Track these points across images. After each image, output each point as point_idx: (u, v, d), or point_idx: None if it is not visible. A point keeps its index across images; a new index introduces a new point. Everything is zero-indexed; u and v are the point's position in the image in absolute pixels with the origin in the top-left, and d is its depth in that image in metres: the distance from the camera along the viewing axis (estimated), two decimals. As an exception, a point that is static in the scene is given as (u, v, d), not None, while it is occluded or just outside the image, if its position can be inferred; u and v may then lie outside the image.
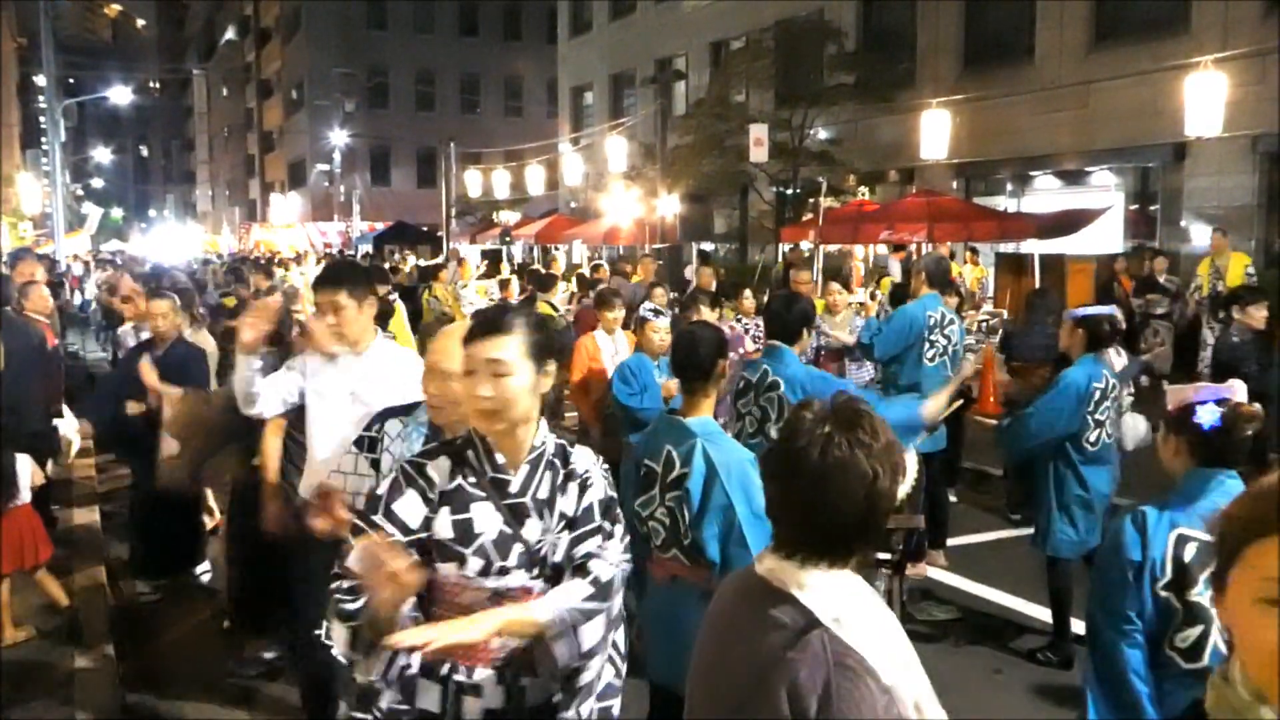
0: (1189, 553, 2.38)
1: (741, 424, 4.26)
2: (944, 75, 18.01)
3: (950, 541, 6.65)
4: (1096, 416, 4.86)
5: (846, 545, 1.55)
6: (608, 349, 6.40)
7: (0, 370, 5.04)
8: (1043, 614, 5.43)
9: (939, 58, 18.34)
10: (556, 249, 26.40)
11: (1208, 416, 2.46)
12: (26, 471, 5.09)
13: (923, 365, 6.31)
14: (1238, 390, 2.53)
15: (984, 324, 9.69)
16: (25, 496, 5.12)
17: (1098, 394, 4.83)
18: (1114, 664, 2.38)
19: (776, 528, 1.60)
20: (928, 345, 6.32)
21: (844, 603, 1.53)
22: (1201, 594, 2.38)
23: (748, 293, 8.93)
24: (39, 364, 6.43)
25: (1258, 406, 2.54)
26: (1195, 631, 2.38)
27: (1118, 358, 6.37)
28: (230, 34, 63.11)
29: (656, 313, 5.83)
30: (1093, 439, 4.87)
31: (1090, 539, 4.96)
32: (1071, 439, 4.85)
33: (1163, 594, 2.39)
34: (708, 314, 7.09)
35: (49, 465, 5.81)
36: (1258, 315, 6.83)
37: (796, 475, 1.52)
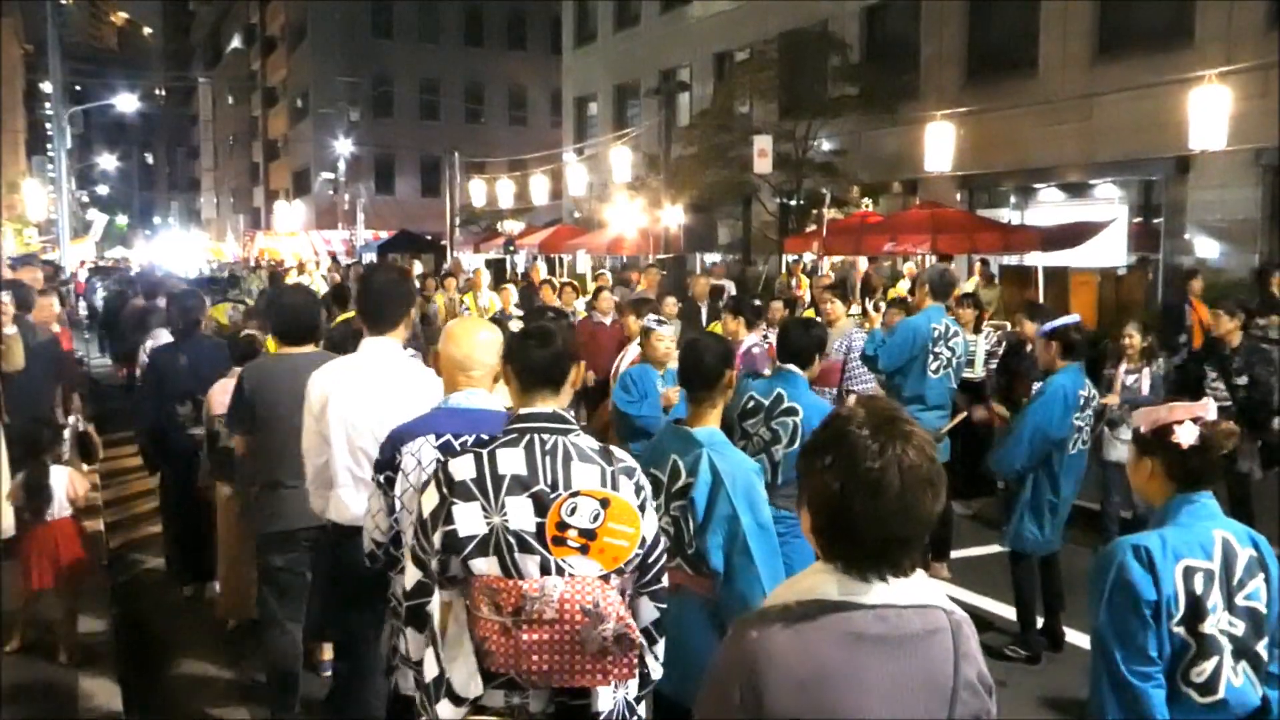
0: (1198, 584, 2.32)
1: (746, 443, 4.23)
2: (948, 87, 18.05)
3: (954, 554, 6.65)
4: (1078, 423, 5.08)
5: (922, 549, 1.60)
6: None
7: (21, 373, 5.04)
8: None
9: (943, 70, 18.38)
10: (567, 258, 26.39)
11: (1187, 436, 2.40)
12: (62, 484, 5.01)
13: (926, 377, 6.33)
14: (1210, 408, 2.47)
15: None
16: (64, 510, 5.01)
17: (1081, 400, 5.06)
18: (1142, 708, 2.31)
19: (854, 549, 1.55)
20: (931, 357, 6.33)
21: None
22: (1211, 625, 2.33)
23: (777, 304, 8.97)
24: (52, 370, 6.47)
25: (1233, 424, 2.52)
26: (1210, 665, 2.33)
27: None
28: (236, 42, 63.31)
29: (660, 322, 5.83)
30: (1073, 444, 5.10)
31: (1053, 540, 5.23)
32: (1057, 444, 5.04)
33: (1176, 630, 2.33)
34: (731, 324, 7.06)
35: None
36: (1223, 323, 6.75)
37: (879, 495, 1.50)
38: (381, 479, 2.82)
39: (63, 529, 5.02)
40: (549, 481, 2.18)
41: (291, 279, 19.35)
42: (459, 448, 2.74)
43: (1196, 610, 2.32)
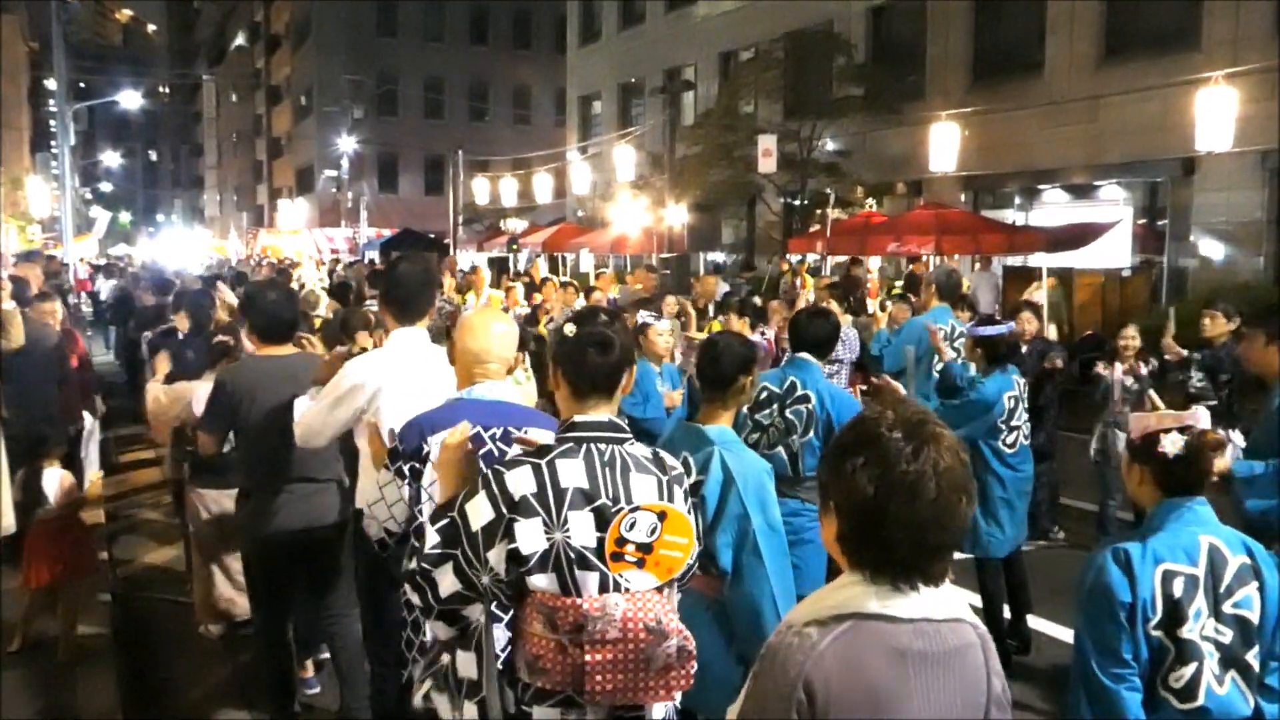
0: (1178, 588, 2.32)
1: (762, 435, 4.21)
2: (953, 88, 18.03)
3: (957, 555, 6.62)
4: (1012, 423, 5.11)
5: (952, 556, 1.56)
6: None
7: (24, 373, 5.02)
8: (1050, 628, 5.45)
9: (948, 71, 18.35)
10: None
11: (1172, 446, 2.40)
12: (53, 486, 4.97)
13: (932, 378, 6.30)
14: (1201, 417, 2.45)
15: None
16: (61, 510, 5.00)
17: (1011, 402, 5.10)
18: (1115, 709, 2.32)
19: (885, 555, 1.50)
20: (937, 358, 6.31)
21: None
22: (1192, 630, 2.32)
23: (775, 304, 8.97)
24: (55, 370, 6.44)
25: (1221, 433, 2.50)
26: (1189, 670, 2.32)
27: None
28: (240, 40, 63.36)
29: (656, 317, 5.85)
30: (1010, 441, 5.13)
31: (1019, 534, 5.21)
32: (989, 445, 5.07)
33: (1154, 634, 2.33)
34: (736, 324, 7.07)
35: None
36: (1218, 324, 6.64)
37: (916, 498, 1.46)
38: (406, 469, 2.73)
39: (63, 528, 5.00)
40: (610, 495, 2.11)
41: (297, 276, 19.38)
42: (488, 440, 2.64)
43: (1175, 615, 2.32)
